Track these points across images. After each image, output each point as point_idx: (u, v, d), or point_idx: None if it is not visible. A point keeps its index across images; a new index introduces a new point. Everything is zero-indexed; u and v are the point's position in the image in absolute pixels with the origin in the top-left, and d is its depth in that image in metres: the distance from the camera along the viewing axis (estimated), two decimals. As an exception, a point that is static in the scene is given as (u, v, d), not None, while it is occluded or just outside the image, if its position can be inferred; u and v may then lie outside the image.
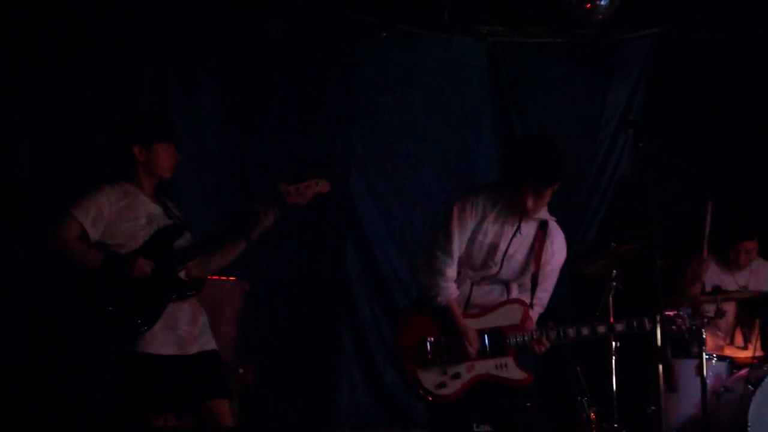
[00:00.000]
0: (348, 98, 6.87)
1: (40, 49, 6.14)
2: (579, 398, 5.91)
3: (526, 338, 4.49)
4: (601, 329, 4.64)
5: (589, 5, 6.35)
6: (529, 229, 4.55)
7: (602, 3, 6.34)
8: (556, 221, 4.64)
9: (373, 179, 6.93)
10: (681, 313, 4.71)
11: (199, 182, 6.47)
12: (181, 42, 6.49)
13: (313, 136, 6.81)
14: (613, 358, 5.82)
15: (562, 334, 4.51)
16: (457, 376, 4.46)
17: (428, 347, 4.47)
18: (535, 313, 4.61)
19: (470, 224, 4.50)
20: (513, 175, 4.42)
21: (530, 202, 4.40)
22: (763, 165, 6.94)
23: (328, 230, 6.79)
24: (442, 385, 4.45)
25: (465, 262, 4.55)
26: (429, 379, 4.46)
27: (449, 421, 4.52)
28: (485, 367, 4.48)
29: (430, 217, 6.67)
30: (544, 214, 4.56)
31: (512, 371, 4.49)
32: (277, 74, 6.71)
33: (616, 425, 5.80)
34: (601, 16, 6.41)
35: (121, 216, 4.47)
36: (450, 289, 4.49)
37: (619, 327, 4.67)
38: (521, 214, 4.49)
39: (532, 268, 4.56)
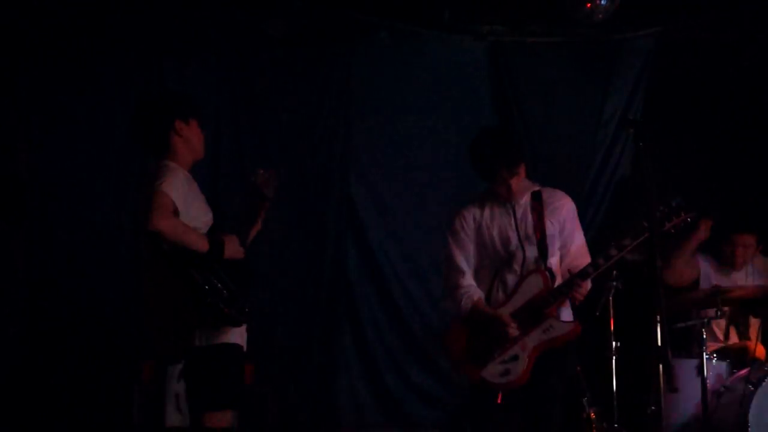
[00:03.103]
0: (348, 97, 6.85)
1: (37, 48, 6.14)
2: (579, 398, 5.91)
3: (558, 295, 4.57)
4: (613, 252, 4.56)
5: (589, 5, 6.33)
6: (524, 207, 4.69)
7: (602, 3, 6.33)
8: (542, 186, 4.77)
9: (372, 179, 6.91)
10: (672, 203, 4.55)
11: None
12: (180, 40, 6.48)
13: (312, 135, 6.79)
14: (613, 358, 5.82)
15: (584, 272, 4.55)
16: (515, 358, 4.55)
17: (476, 347, 4.61)
18: (565, 266, 4.67)
19: (468, 238, 4.72)
20: (487, 169, 4.60)
21: (514, 184, 4.58)
22: (763, 165, 6.93)
23: (328, 230, 6.78)
24: (506, 372, 4.56)
25: (494, 260, 4.69)
26: (492, 373, 4.58)
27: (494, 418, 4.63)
28: (535, 338, 4.58)
29: (430, 217, 6.67)
30: (528, 185, 4.71)
31: (559, 327, 4.59)
32: (276, 73, 6.70)
33: (616, 425, 5.80)
34: (601, 16, 6.40)
35: (190, 196, 4.15)
36: (471, 290, 4.68)
37: (627, 242, 4.55)
38: (509, 199, 4.65)
39: (537, 236, 4.65)
